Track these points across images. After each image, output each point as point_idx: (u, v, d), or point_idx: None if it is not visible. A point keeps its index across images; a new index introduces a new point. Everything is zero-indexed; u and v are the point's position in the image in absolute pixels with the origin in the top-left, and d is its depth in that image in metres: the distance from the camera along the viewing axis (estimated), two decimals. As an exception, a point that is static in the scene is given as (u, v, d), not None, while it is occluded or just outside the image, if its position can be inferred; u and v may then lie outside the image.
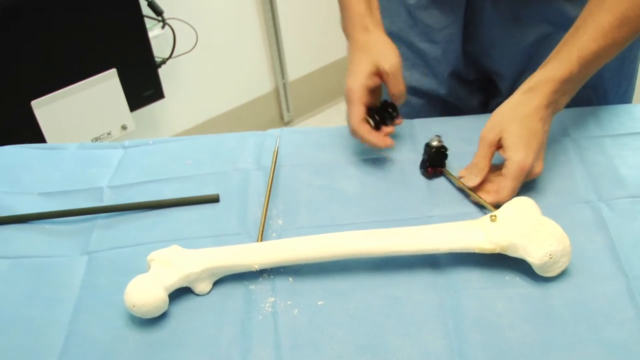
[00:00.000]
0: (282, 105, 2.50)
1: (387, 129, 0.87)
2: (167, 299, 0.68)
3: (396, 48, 0.86)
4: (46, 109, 1.66)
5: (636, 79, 1.06)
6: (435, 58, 1.03)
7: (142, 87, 1.87)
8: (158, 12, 1.89)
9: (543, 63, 0.80)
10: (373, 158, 0.90)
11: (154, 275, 0.69)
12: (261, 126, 2.27)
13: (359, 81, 0.83)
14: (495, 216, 0.72)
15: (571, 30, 0.79)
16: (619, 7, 0.74)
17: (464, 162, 0.84)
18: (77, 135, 1.77)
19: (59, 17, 1.57)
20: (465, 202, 0.82)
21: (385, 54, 0.85)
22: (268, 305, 0.70)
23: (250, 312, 0.70)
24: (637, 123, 0.92)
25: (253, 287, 0.73)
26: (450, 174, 0.84)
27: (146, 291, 0.67)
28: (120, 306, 0.69)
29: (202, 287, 0.71)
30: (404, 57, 0.96)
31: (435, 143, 0.84)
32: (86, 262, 0.77)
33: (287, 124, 2.55)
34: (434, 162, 0.85)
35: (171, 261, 0.70)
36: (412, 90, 1.06)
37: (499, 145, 0.79)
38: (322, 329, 0.68)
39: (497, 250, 0.70)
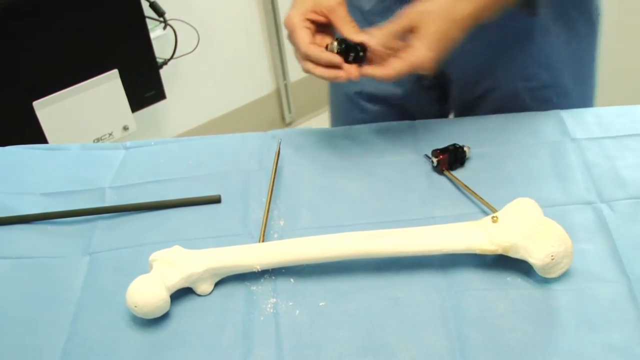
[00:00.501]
0: (284, 106, 2.50)
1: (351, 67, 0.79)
2: (168, 299, 0.68)
3: None
4: (48, 110, 1.66)
5: (597, 77, 1.06)
6: None
7: (144, 88, 1.87)
8: (160, 13, 1.89)
9: None
10: (375, 159, 0.90)
11: (156, 275, 0.69)
12: (262, 127, 2.26)
13: (299, 10, 0.80)
14: (496, 217, 0.72)
15: None
16: None
17: (466, 163, 0.84)
18: (79, 135, 1.77)
19: (60, 17, 1.57)
20: (467, 203, 0.82)
21: None
22: (269, 306, 0.71)
23: (251, 313, 0.70)
24: (639, 124, 0.92)
25: (254, 288, 0.73)
26: (453, 175, 0.84)
27: (148, 291, 0.67)
28: (122, 307, 0.69)
29: (204, 287, 0.71)
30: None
31: (465, 148, 0.85)
32: (88, 262, 0.77)
33: (288, 125, 2.55)
34: (453, 163, 0.85)
35: (173, 261, 0.70)
36: (368, 97, 1.06)
37: (411, 30, 0.76)
38: (323, 330, 0.68)
39: (499, 251, 0.70)
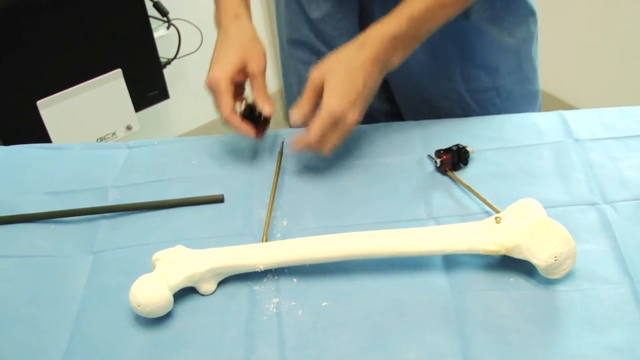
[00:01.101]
0: (287, 106, 2.50)
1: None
2: (171, 298, 0.68)
3: (264, 49, 0.86)
4: (52, 109, 1.66)
5: (538, 76, 1.08)
6: None
7: (147, 88, 1.87)
8: (163, 12, 1.89)
9: (376, 21, 0.81)
10: (378, 159, 0.90)
11: (159, 274, 0.69)
12: (266, 127, 2.26)
13: (226, 72, 0.83)
14: (499, 217, 0.71)
15: None
16: None
17: (469, 163, 0.84)
18: (82, 135, 1.77)
19: (64, 17, 1.58)
20: (470, 203, 0.82)
21: (253, 54, 0.85)
22: (272, 306, 0.71)
23: (254, 312, 0.70)
24: (643, 125, 0.92)
25: (257, 287, 0.73)
26: (456, 176, 0.84)
27: (151, 290, 0.67)
28: (125, 306, 0.69)
29: (207, 287, 0.72)
30: (311, 63, 0.98)
31: (469, 149, 0.86)
32: (91, 261, 0.77)
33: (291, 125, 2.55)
34: (456, 163, 0.86)
35: (176, 261, 0.71)
36: None
37: (320, 88, 0.80)
38: (326, 329, 0.68)
39: (502, 252, 0.70)
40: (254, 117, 0.86)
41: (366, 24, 0.98)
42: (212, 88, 0.84)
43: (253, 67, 0.84)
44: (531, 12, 0.99)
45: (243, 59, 0.84)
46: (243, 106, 0.86)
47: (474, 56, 0.99)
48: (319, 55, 1.05)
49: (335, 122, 0.79)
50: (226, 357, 0.66)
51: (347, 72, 0.78)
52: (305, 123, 0.81)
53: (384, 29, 0.79)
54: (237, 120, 0.84)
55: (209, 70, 0.85)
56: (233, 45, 0.85)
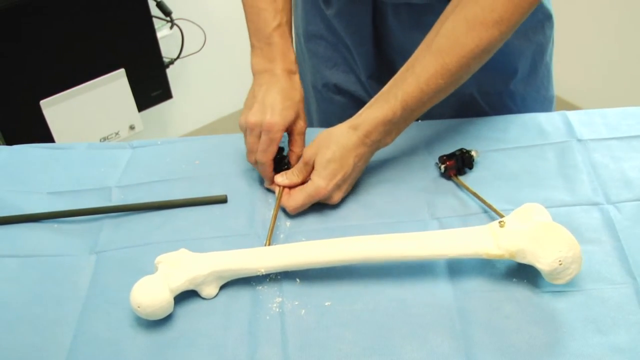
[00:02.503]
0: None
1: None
2: (172, 300, 0.68)
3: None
4: (55, 109, 1.66)
5: (553, 83, 1.07)
6: (352, 59, 1.05)
7: (151, 87, 1.87)
8: (166, 12, 1.89)
9: (370, 101, 0.82)
10: (380, 159, 0.90)
11: (161, 276, 0.69)
12: (268, 127, 2.26)
13: (284, 122, 0.83)
14: (503, 222, 0.71)
15: (401, 70, 0.81)
16: (442, 56, 0.77)
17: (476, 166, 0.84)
18: (86, 135, 1.77)
19: (67, 17, 1.58)
20: (473, 204, 0.82)
21: (303, 113, 0.86)
22: (275, 305, 0.71)
23: (257, 312, 0.70)
24: (646, 125, 0.91)
25: (260, 287, 0.73)
26: (461, 181, 0.84)
27: (152, 292, 0.67)
28: (128, 305, 0.69)
29: (209, 290, 0.71)
30: (326, 56, 0.98)
31: (473, 153, 0.86)
32: (94, 261, 0.77)
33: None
34: (461, 168, 0.86)
35: (178, 264, 0.70)
36: (335, 88, 1.08)
37: (311, 164, 0.82)
38: (329, 329, 0.68)
39: (506, 257, 0.69)
40: (281, 164, 0.86)
41: (379, 22, 0.99)
42: (266, 131, 0.82)
43: (301, 125, 0.86)
44: (548, 17, 0.98)
45: (297, 113, 0.85)
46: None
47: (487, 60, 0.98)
48: (333, 48, 1.06)
49: (320, 199, 0.81)
50: (229, 356, 0.66)
51: (338, 152, 0.80)
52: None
53: (377, 114, 0.80)
54: (271, 168, 0.84)
55: (259, 111, 0.83)
56: (289, 99, 0.85)
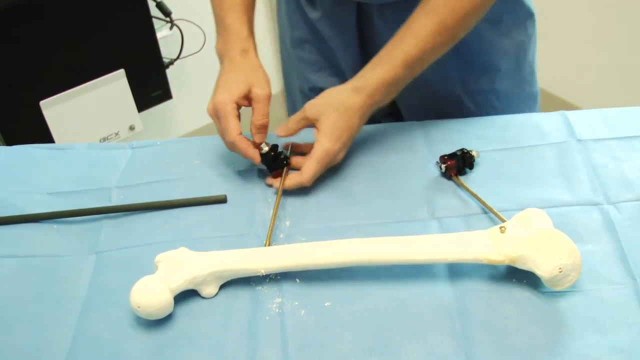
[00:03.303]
0: (288, 106, 2.49)
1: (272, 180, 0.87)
2: (172, 300, 0.68)
3: (269, 79, 0.88)
4: (55, 109, 1.66)
5: (537, 79, 1.09)
6: (337, 62, 1.06)
7: (150, 88, 1.87)
8: (166, 13, 1.89)
9: (371, 63, 0.84)
10: (381, 159, 0.90)
11: (160, 276, 0.69)
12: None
13: (231, 96, 0.84)
14: (504, 227, 0.71)
15: (398, 33, 0.83)
16: (438, 14, 0.80)
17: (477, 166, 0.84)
18: (85, 135, 1.77)
19: (67, 17, 1.58)
20: (472, 204, 0.82)
21: (259, 80, 0.86)
22: (275, 305, 0.71)
23: (257, 312, 0.70)
24: (646, 126, 0.91)
25: (260, 287, 0.73)
26: (461, 182, 0.84)
27: (151, 292, 0.67)
28: (128, 306, 0.69)
29: (209, 290, 0.71)
30: (311, 60, 0.98)
31: (473, 153, 0.86)
32: (94, 261, 0.77)
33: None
34: (461, 168, 0.86)
35: (178, 263, 0.70)
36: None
37: (314, 124, 0.84)
38: (329, 329, 0.68)
39: (506, 262, 0.69)
40: (277, 161, 0.86)
41: (364, 24, 0.99)
42: (218, 111, 0.84)
43: (257, 91, 0.85)
44: (529, 14, 1.00)
45: (248, 84, 0.85)
46: (267, 148, 0.85)
47: (472, 58, 0.99)
48: (318, 52, 1.07)
49: (330, 161, 0.83)
50: (229, 356, 0.66)
51: (342, 113, 0.83)
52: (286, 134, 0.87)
53: (380, 75, 0.82)
54: (244, 143, 0.84)
55: (213, 95, 0.85)
56: (239, 73, 0.86)
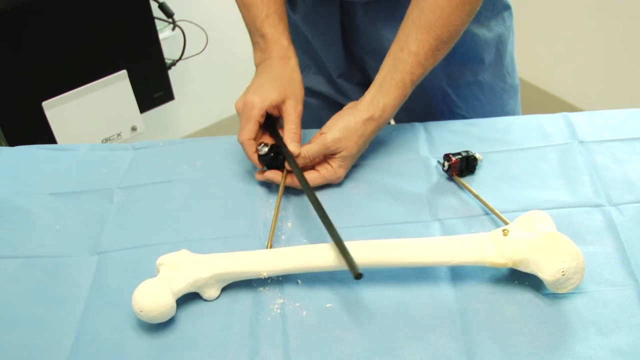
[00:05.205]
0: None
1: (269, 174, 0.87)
2: (174, 304, 0.68)
3: (303, 93, 0.89)
4: (57, 110, 1.67)
5: (517, 71, 1.12)
6: (321, 61, 1.08)
7: (152, 89, 1.87)
8: (168, 13, 1.89)
9: (379, 86, 0.85)
10: (382, 160, 0.90)
11: (162, 280, 0.69)
12: (270, 128, 2.26)
13: (263, 102, 0.84)
14: (507, 230, 0.71)
15: (394, 51, 0.84)
16: (433, 29, 0.82)
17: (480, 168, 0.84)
18: (88, 136, 1.77)
19: (69, 18, 1.58)
20: (474, 206, 0.82)
21: (295, 94, 0.87)
22: (276, 307, 0.71)
23: (258, 313, 0.70)
24: (648, 127, 0.91)
25: (261, 289, 0.73)
26: (462, 182, 0.84)
27: (154, 297, 0.67)
28: (130, 307, 0.69)
29: (210, 292, 0.71)
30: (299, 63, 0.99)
31: (477, 155, 0.86)
32: (96, 262, 0.77)
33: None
34: (463, 170, 0.86)
35: (180, 266, 0.70)
36: (308, 91, 1.10)
37: (332, 153, 0.85)
38: (330, 331, 0.68)
39: (509, 265, 0.69)
40: (276, 162, 0.85)
41: (347, 22, 1.02)
42: (244, 110, 0.84)
43: (291, 106, 0.86)
44: (506, 7, 1.03)
45: (284, 95, 0.85)
46: (265, 149, 0.84)
47: (455, 52, 1.00)
48: (302, 51, 1.08)
49: (329, 181, 0.85)
50: (231, 357, 0.66)
51: (358, 145, 0.84)
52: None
53: (394, 102, 0.85)
54: (251, 148, 0.85)
55: (245, 92, 0.86)
56: (277, 81, 0.87)
